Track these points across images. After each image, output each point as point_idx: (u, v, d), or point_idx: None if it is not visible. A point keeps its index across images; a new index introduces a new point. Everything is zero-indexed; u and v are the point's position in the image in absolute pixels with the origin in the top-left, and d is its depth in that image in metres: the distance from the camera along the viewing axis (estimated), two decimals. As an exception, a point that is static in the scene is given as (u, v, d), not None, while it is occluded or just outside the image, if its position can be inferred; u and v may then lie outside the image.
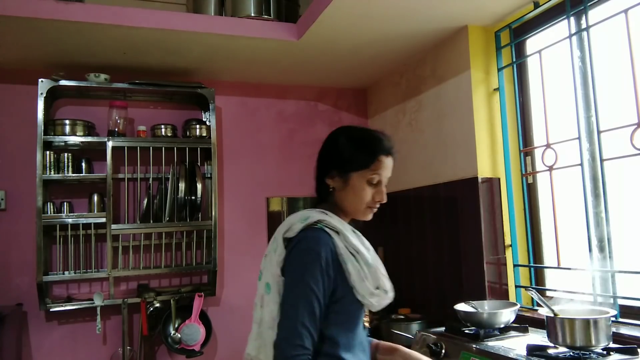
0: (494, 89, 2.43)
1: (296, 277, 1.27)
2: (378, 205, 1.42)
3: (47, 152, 2.61)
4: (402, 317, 2.60)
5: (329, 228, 1.32)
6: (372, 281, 1.33)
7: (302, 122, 3.35)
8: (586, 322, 1.57)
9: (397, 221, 3.04)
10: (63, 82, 2.61)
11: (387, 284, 1.38)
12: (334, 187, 1.40)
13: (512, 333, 1.93)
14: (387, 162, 1.40)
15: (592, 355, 1.57)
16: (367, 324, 1.55)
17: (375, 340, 1.56)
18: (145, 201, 2.77)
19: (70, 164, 2.67)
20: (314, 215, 1.34)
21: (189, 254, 2.89)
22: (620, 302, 1.87)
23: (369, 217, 1.44)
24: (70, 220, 2.63)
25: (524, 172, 2.34)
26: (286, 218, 1.40)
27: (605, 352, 1.58)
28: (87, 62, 2.73)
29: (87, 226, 2.71)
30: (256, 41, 2.56)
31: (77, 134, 2.67)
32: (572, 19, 2.05)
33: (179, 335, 2.72)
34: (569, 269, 2.10)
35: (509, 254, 2.35)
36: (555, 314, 1.66)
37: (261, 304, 1.34)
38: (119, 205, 2.84)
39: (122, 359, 2.68)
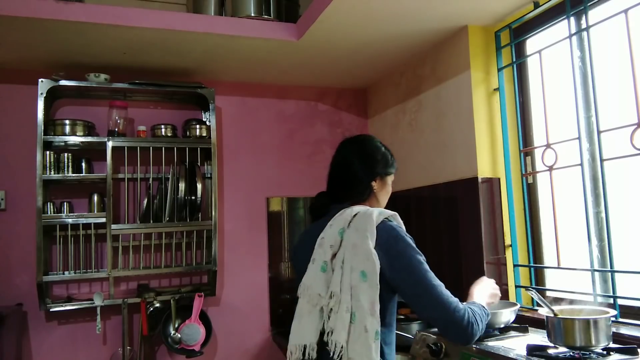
0: (494, 89, 2.43)
1: (417, 259, 1.45)
2: None
3: (47, 152, 2.61)
4: (402, 317, 2.59)
5: (397, 221, 1.55)
6: None
7: (302, 122, 3.35)
8: (586, 322, 1.57)
9: (397, 221, 3.04)
10: (63, 82, 2.61)
11: None
12: (376, 188, 1.63)
13: (512, 333, 1.93)
14: None
15: (592, 355, 1.57)
16: None
17: None
18: (145, 201, 2.77)
19: (70, 164, 2.67)
20: (384, 210, 1.55)
21: (189, 254, 2.89)
22: (620, 302, 1.87)
23: None
24: (70, 220, 2.63)
25: (524, 172, 2.34)
26: (349, 214, 1.51)
27: (605, 352, 1.58)
28: (87, 62, 2.74)
29: (87, 226, 2.71)
30: (256, 41, 2.56)
31: (77, 134, 2.67)
32: (572, 19, 2.04)
33: (179, 335, 2.72)
34: (569, 269, 2.10)
35: (509, 254, 2.35)
36: (555, 314, 1.66)
37: (351, 293, 1.40)
38: (119, 205, 2.84)
39: (122, 359, 2.69)
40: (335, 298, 1.41)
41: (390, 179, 1.68)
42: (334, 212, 1.56)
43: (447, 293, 1.43)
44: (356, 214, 1.50)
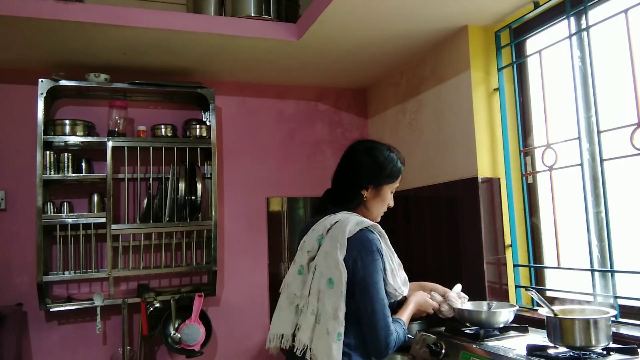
0: (494, 89, 2.43)
1: (374, 278, 1.54)
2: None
3: (47, 152, 2.61)
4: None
5: (377, 234, 1.61)
6: (399, 277, 1.64)
7: (302, 122, 3.35)
8: (586, 322, 1.57)
9: (397, 221, 3.04)
10: (63, 82, 2.61)
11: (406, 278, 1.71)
12: (367, 197, 1.68)
13: (512, 333, 1.93)
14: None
15: (592, 355, 1.57)
16: None
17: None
18: (145, 201, 2.77)
19: (70, 164, 2.67)
20: (364, 220, 1.61)
21: (189, 254, 2.89)
22: (620, 302, 1.87)
23: (379, 219, 1.74)
24: (70, 220, 2.63)
25: (524, 172, 2.34)
26: (329, 221, 1.62)
27: (605, 352, 1.58)
28: (87, 62, 2.73)
29: (87, 226, 2.71)
30: (256, 41, 2.56)
31: (77, 134, 2.67)
32: (572, 19, 2.04)
33: (179, 335, 2.72)
34: (569, 269, 2.10)
35: (509, 254, 2.35)
36: (555, 314, 1.65)
37: (318, 297, 1.53)
38: (119, 205, 2.84)
39: (122, 359, 2.68)
40: (304, 300, 1.57)
41: (387, 188, 1.71)
42: (328, 213, 1.67)
43: (384, 319, 1.53)
44: (335, 222, 1.60)
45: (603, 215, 1.93)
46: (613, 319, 1.71)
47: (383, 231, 1.65)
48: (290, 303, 1.62)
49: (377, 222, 1.70)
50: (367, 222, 1.61)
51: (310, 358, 1.51)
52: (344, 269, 1.52)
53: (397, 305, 1.71)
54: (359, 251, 1.55)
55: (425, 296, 1.81)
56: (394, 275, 1.62)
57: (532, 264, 2.30)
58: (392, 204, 1.76)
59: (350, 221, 1.58)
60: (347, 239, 1.54)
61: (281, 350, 1.65)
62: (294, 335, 1.59)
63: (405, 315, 1.68)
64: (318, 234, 1.62)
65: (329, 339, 1.48)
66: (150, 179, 2.82)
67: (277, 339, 1.61)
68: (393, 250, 1.68)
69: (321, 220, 1.66)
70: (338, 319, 1.50)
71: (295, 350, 1.55)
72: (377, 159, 1.68)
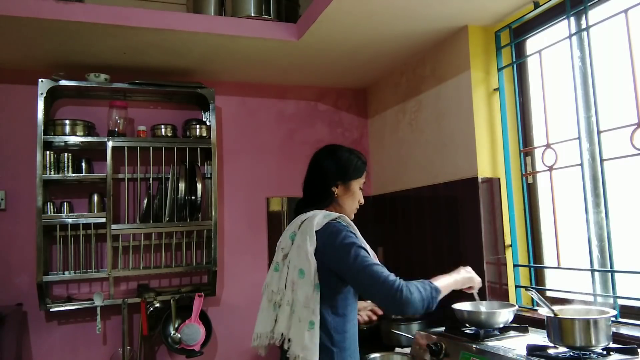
0: (494, 89, 2.43)
1: (354, 250, 1.55)
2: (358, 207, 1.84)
3: (47, 152, 2.60)
4: (402, 317, 2.60)
5: (345, 224, 1.66)
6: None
7: (302, 122, 3.35)
8: (586, 322, 1.57)
9: (397, 221, 3.04)
10: (63, 82, 2.61)
11: None
12: (338, 193, 1.76)
13: (512, 333, 1.93)
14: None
15: (592, 355, 1.57)
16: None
17: None
18: (145, 201, 2.77)
19: (70, 164, 2.67)
20: (331, 213, 1.69)
21: (189, 254, 2.89)
22: (620, 302, 1.87)
23: (353, 217, 1.81)
24: (70, 220, 2.63)
25: (524, 172, 2.34)
26: (300, 219, 1.70)
27: (605, 352, 1.58)
28: (87, 62, 2.74)
29: (87, 226, 2.71)
30: (256, 41, 2.56)
31: (77, 134, 2.67)
32: (572, 19, 2.04)
33: (179, 335, 2.72)
34: (569, 269, 2.10)
35: (509, 254, 2.35)
36: (555, 314, 1.65)
37: (292, 288, 1.60)
38: (119, 205, 2.84)
39: (122, 359, 2.68)
40: (281, 293, 1.64)
41: (356, 184, 1.79)
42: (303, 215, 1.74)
43: (379, 269, 1.52)
44: (305, 219, 1.68)
45: (603, 215, 1.93)
46: (613, 319, 1.71)
47: (352, 222, 1.70)
48: (269, 301, 1.69)
49: (351, 219, 1.74)
50: (334, 214, 1.68)
51: (287, 348, 1.56)
52: (314, 259, 1.58)
53: None
54: (329, 238, 1.60)
55: (468, 270, 1.79)
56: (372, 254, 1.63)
57: (532, 264, 2.30)
58: (362, 200, 1.83)
59: (318, 215, 1.66)
60: (316, 231, 1.61)
61: (279, 348, 1.67)
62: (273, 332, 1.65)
63: (438, 280, 1.64)
64: (290, 231, 1.72)
65: (302, 326, 1.54)
66: (150, 179, 2.81)
67: (259, 338, 1.68)
68: (365, 241, 1.67)
69: (294, 219, 1.76)
70: (309, 307, 1.55)
71: (274, 341, 1.63)
72: (340, 158, 1.79)
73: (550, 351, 1.63)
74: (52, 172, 2.62)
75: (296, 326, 1.56)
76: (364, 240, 1.66)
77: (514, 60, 2.37)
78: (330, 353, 1.58)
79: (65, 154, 2.67)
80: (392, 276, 1.52)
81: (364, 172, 1.81)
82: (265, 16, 2.58)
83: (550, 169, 2.13)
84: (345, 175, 1.77)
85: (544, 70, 2.20)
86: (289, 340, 1.57)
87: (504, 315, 1.89)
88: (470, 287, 1.78)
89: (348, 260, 1.54)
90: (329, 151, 1.84)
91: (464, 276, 1.75)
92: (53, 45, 2.51)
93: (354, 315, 1.69)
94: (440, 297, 1.59)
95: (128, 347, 2.70)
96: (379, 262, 1.58)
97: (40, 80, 2.57)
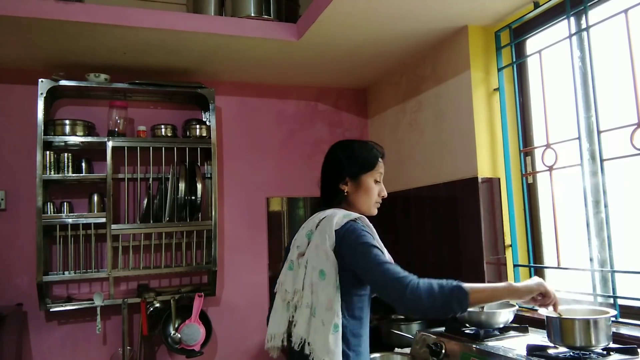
0: (494, 89, 2.43)
1: (368, 248, 1.50)
2: (381, 200, 1.73)
3: (47, 152, 2.60)
4: (402, 317, 2.60)
5: (363, 225, 1.59)
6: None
7: (302, 122, 3.35)
8: (586, 322, 1.57)
9: (397, 221, 3.04)
10: (63, 82, 2.61)
11: None
12: (348, 191, 1.67)
13: (512, 333, 1.93)
14: (383, 163, 1.73)
15: (592, 355, 1.57)
16: None
17: None
18: (145, 201, 2.77)
19: (70, 164, 2.67)
20: (351, 213, 1.61)
21: (189, 254, 2.89)
22: (620, 302, 1.87)
23: (375, 212, 1.72)
24: (70, 220, 2.63)
25: (524, 172, 2.34)
26: (318, 217, 1.63)
27: (605, 352, 1.58)
28: (87, 62, 2.74)
29: (87, 226, 2.71)
30: (256, 41, 2.56)
31: (77, 134, 2.67)
32: (572, 19, 2.04)
33: (179, 335, 2.72)
34: (569, 269, 2.10)
35: (509, 254, 2.35)
36: (555, 314, 1.65)
37: (312, 290, 1.53)
38: (119, 205, 2.84)
39: (122, 359, 2.68)
40: (299, 294, 1.57)
41: (367, 178, 1.68)
42: (318, 212, 1.70)
43: (391, 267, 1.45)
44: (324, 218, 1.61)
45: (603, 215, 1.93)
46: (613, 319, 1.71)
47: (371, 225, 1.62)
48: (283, 300, 1.63)
49: (371, 215, 1.68)
50: (354, 215, 1.61)
51: (310, 352, 1.48)
52: (334, 259, 1.52)
53: None
54: (345, 237, 1.54)
55: (536, 279, 1.55)
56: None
57: (532, 264, 2.30)
58: (384, 193, 1.72)
59: (338, 214, 1.59)
60: (335, 231, 1.55)
61: (282, 352, 1.65)
62: (288, 333, 1.59)
63: (479, 285, 1.47)
64: (307, 230, 1.65)
65: (325, 330, 1.47)
66: (150, 179, 2.81)
67: (273, 339, 1.62)
68: (382, 245, 1.63)
69: (310, 217, 1.69)
70: (332, 309, 1.48)
71: (292, 344, 1.54)
72: (349, 151, 1.70)
73: (550, 351, 1.63)
74: (52, 172, 2.62)
75: (319, 330, 1.48)
76: (380, 242, 1.60)
77: (514, 60, 2.37)
78: (347, 358, 1.51)
79: (65, 154, 2.67)
80: (404, 274, 1.43)
81: (375, 164, 1.69)
82: (265, 16, 2.58)
83: (550, 169, 2.13)
84: (354, 170, 1.67)
85: (544, 70, 2.20)
86: (309, 344, 1.49)
87: (504, 315, 1.89)
88: (544, 302, 1.53)
89: (363, 258, 1.49)
90: (338, 147, 1.76)
91: (527, 284, 1.50)
92: (53, 45, 2.51)
93: (368, 319, 1.63)
94: (474, 301, 1.42)
95: (128, 347, 2.70)
96: (393, 262, 1.51)
97: (40, 80, 2.57)
